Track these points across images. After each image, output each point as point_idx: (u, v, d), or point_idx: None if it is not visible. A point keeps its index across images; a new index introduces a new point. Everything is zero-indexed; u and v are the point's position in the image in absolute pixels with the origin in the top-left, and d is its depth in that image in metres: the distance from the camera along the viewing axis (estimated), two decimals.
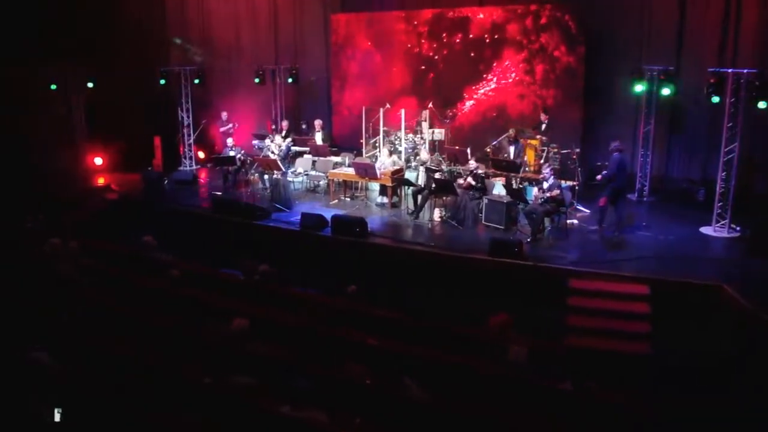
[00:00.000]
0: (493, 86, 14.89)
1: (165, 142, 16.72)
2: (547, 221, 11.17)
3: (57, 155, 14.78)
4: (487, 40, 14.76)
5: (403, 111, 13.68)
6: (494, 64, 14.78)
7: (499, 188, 12.25)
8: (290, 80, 16.53)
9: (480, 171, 12.08)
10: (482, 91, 14.98)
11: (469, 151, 12.98)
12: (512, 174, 12.32)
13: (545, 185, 11.06)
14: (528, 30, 14.30)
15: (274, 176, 13.36)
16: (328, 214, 11.76)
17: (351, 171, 13.19)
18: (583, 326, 8.73)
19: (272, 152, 14.07)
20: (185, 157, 17.02)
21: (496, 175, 12.63)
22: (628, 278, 9.26)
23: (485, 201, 11.72)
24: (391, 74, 16.05)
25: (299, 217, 11.82)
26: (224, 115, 16.18)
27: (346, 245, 11.08)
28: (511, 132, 12.93)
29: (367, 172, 12.68)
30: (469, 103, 15.20)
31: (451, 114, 15.23)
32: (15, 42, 14.09)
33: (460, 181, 12.09)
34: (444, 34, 15.27)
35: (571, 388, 5.47)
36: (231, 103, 16.94)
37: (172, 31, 17.99)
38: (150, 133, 16.64)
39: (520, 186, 12.19)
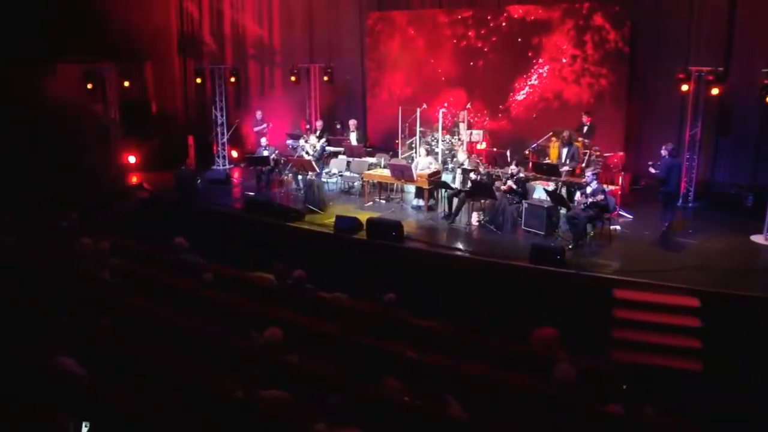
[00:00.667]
0: (546, 69, 14.44)
1: (198, 141, 16.66)
2: (589, 227, 10.78)
3: (91, 153, 14.75)
4: (533, 18, 14.39)
5: (440, 111, 13.36)
6: (543, 45, 14.32)
7: (539, 192, 11.85)
8: (325, 79, 16.33)
9: (521, 175, 11.72)
10: (535, 76, 14.56)
11: (508, 153, 12.61)
12: (553, 178, 11.91)
13: (588, 190, 10.64)
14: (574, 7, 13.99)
15: (308, 177, 13.17)
16: (362, 216, 11.51)
17: (386, 172, 12.94)
18: (628, 340, 8.36)
19: (306, 152, 13.90)
20: (218, 157, 16.93)
21: (536, 179, 12.21)
22: (676, 289, 8.81)
23: (525, 205, 11.35)
24: (435, 64, 15.66)
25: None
26: (258, 114, 16.02)
27: (379, 249, 10.82)
28: (565, 134, 12.33)
29: (403, 173, 12.40)
30: (522, 92, 14.75)
31: (501, 108, 14.84)
32: (50, 40, 14.10)
33: (502, 186, 11.70)
34: (489, 17, 14.90)
35: (623, 411, 5.12)
36: (265, 103, 16.80)
37: (207, 30, 17.91)
38: (184, 131, 16.60)
39: (563, 190, 11.75)
